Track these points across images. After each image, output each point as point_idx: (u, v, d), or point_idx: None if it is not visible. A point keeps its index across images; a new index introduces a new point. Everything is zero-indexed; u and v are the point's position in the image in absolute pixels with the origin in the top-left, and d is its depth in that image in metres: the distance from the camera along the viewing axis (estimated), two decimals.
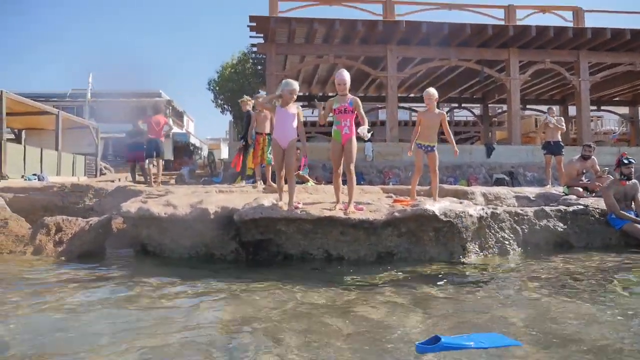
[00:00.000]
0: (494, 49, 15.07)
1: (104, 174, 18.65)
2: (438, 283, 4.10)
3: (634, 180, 6.91)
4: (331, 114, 5.52)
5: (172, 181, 13.90)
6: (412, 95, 22.21)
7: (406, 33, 13.99)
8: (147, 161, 10.72)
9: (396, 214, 5.09)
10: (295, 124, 5.41)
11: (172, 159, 23.24)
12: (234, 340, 2.66)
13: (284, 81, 5.53)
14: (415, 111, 22.91)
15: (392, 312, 3.19)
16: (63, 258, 5.44)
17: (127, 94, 29.57)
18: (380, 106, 23.10)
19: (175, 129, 30.89)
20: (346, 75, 5.35)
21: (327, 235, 5.19)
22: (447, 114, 25.63)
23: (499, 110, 26.09)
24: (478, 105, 24.22)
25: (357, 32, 13.79)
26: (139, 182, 11.37)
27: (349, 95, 5.43)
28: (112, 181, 12.27)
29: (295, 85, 5.43)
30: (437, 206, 5.19)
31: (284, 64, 16.52)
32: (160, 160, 10.54)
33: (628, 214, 6.53)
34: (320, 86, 20.88)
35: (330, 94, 22.61)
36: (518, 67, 15.30)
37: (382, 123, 24.76)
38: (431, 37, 14.17)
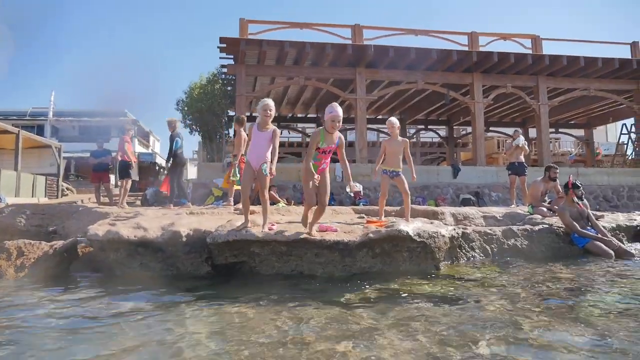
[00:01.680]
0: (458, 73, 15.59)
1: (66, 194, 18.02)
2: (410, 301, 4.12)
3: (585, 201, 7.29)
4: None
5: (138, 202, 13.56)
6: (380, 116, 22.62)
7: (374, 57, 14.31)
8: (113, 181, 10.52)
9: (371, 235, 5.12)
10: (269, 145, 5.36)
11: (138, 179, 22.74)
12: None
13: (260, 101, 5.49)
14: (384, 132, 23.32)
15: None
16: (26, 280, 5.19)
17: (91, 113, 28.92)
18: (349, 127, 23.40)
19: (141, 149, 30.32)
20: (340, 111, 4.98)
21: (302, 257, 5.16)
22: (413, 135, 26.40)
23: (464, 132, 26.86)
24: (444, 127, 24.88)
25: (326, 55, 14.01)
26: (103, 204, 11.05)
27: (337, 133, 5.09)
28: (75, 202, 11.87)
29: (269, 102, 5.38)
30: (411, 227, 5.26)
31: (254, 85, 16.57)
32: (126, 182, 10.34)
33: (588, 232, 6.81)
34: (289, 107, 21.00)
35: (299, 115, 22.76)
36: (481, 90, 15.86)
37: (351, 144, 25.07)
38: (398, 61, 14.55)
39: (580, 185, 7.25)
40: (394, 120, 6.43)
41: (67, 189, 19.52)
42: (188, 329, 3.38)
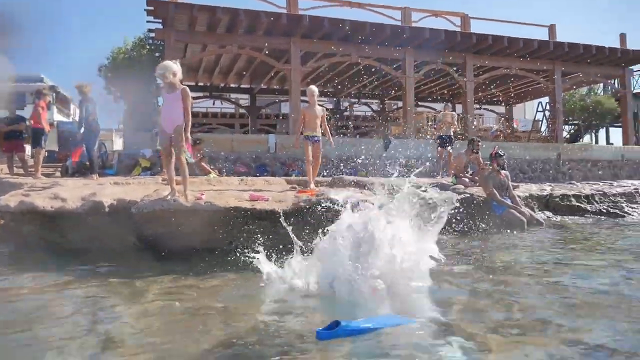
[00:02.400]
0: (391, 48, 15.82)
1: None
2: None
3: (506, 172, 7.81)
4: None
5: (57, 174, 12.71)
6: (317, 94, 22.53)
7: (309, 28, 14.14)
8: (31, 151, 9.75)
9: (302, 203, 5.17)
10: (180, 107, 5.05)
11: (57, 149, 21.26)
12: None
13: (159, 66, 5.13)
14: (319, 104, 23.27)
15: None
16: None
17: (2, 77, 26.39)
18: (283, 99, 23.17)
19: (61, 118, 28.25)
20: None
21: (232, 226, 5.11)
22: (347, 109, 26.66)
23: (395, 106, 27.51)
24: (376, 101, 25.33)
25: (261, 23, 13.65)
26: (17, 175, 10.24)
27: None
28: None
29: (168, 64, 5.06)
30: (340, 196, 5.36)
31: (185, 51, 15.85)
32: (39, 151, 9.57)
33: (505, 201, 7.32)
34: (222, 77, 20.36)
35: (232, 85, 22.16)
36: (413, 66, 16.25)
37: (285, 116, 24.88)
38: (333, 32, 14.49)
39: (503, 155, 7.73)
40: (314, 88, 6.73)
41: None
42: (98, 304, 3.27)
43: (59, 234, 5.20)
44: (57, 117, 27.82)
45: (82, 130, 8.71)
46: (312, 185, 6.55)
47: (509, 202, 7.41)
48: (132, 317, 2.87)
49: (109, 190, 5.64)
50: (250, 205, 5.06)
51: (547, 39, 17.35)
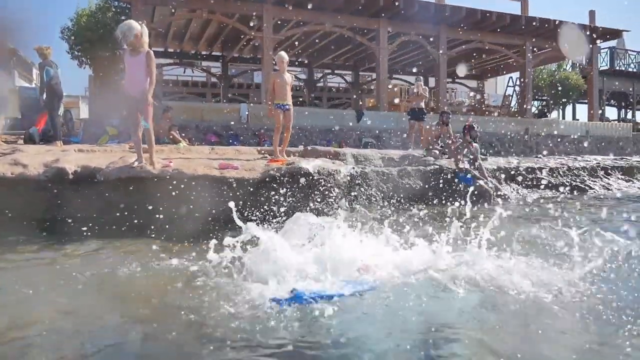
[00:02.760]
0: (365, 18, 15.64)
1: None
2: None
3: (477, 145, 7.96)
4: None
5: (20, 142, 12.24)
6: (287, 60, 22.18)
7: None
8: None
9: (272, 172, 5.14)
10: (145, 70, 4.89)
11: (20, 117, 20.41)
12: None
13: (121, 25, 4.88)
14: (291, 74, 22.98)
15: None
16: None
17: None
18: (255, 68, 22.74)
19: (23, 83, 27.04)
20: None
21: (202, 195, 5.06)
22: (320, 79, 26.38)
23: (369, 79, 27.41)
24: (350, 72, 25.16)
25: None
26: None
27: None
28: None
29: (130, 23, 4.83)
30: (311, 164, 5.36)
31: (152, 15, 15.26)
32: None
33: (474, 172, 7.49)
34: (192, 43, 19.78)
35: (203, 53, 21.58)
36: (387, 37, 16.14)
37: (258, 86, 24.46)
38: (307, 0, 14.20)
39: (475, 127, 7.88)
40: (284, 54, 6.56)
41: None
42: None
43: (20, 201, 5.03)
44: (19, 82, 26.65)
45: (44, 95, 8.34)
46: (283, 155, 6.51)
47: (477, 174, 7.58)
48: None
49: (72, 157, 5.47)
50: (220, 174, 5.00)
51: (520, 13, 17.47)
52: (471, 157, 7.71)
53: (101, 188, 4.91)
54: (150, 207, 4.90)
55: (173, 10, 14.79)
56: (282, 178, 5.20)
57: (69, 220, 4.76)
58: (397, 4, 14.69)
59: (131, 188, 4.89)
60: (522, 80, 18.97)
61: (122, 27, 4.79)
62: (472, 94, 26.22)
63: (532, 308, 2.48)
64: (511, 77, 22.53)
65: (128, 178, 4.81)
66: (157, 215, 4.49)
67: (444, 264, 3.12)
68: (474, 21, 16.40)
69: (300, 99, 23.70)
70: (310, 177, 5.21)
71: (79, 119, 16.47)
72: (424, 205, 6.60)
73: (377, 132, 14.67)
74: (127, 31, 4.74)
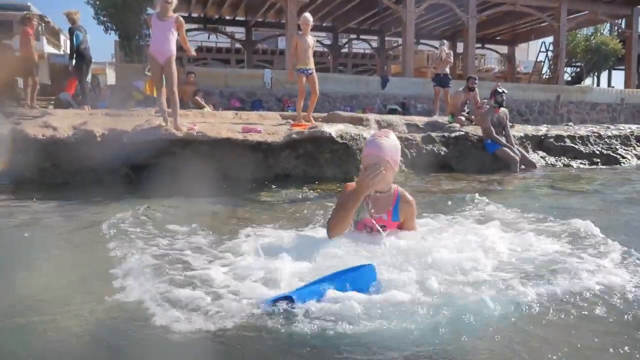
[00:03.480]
0: None
1: None
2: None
3: (505, 110, 7.73)
4: None
5: (51, 107, 12.54)
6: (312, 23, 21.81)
7: None
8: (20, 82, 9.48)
9: (294, 135, 5.16)
10: (174, 36, 4.98)
11: (49, 83, 20.82)
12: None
13: None
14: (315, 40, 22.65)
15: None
16: None
17: None
18: (279, 33, 22.45)
19: (52, 50, 27.44)
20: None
21: (225, 158, 5.13)
22: (345, 45, 25.91)
23: (395, 44, 26.77)
24: (375, 37, 24.60)
25: None
26: (9, 105, 10.08)
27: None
28: None
29: None
30: (333, 129, 5.34)
31: None
32: (31, 79, 9.27)
33: (500, 139, 7.33)
34: (215, 8, 19.59)
35: (227, 17, 21.38)
36: (414, 0, 15.66)
37: (282, 52, 24.21)
38: None
39: (502, 92, 7.63)
40: (308, 16, 6.40)
41: None
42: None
43: (52, 164, 5.20)
44: (48, 48, 27.07)
45: (74, 60, 8.44)
46: (310, 120, 6.44)
47: (503, 140, 7.41)
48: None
49: (100, 120, 5.59)
50: (243, 137, 5.04)
51: None
52: (499, 123, 7.51)
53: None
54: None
55: None
56: (304, 141, 5.21)
57: None
58: None
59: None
60: (555, 45, 18.22)
61: None
62: (502, 60, 25.41)
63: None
64: (544, 42, 21.64)
65: (153, 140, 4.89)
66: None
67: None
68: None
69: (324, 65, 23.39)
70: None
71: (105, 85, 16.72)
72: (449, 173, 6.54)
73: (403, 98, 14.43)
74: None
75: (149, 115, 6.58)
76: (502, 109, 7.59)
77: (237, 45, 24.61)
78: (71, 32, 8.24)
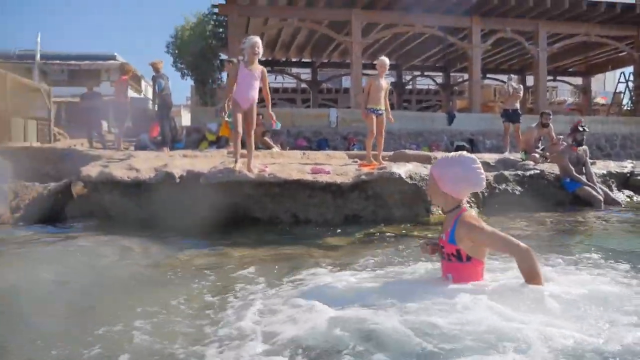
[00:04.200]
0: (457, 16, 15.14)
1: (58, 139, 17.82)
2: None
3: (584, 147, 7.32)
4: None
5: (132, 147, 13.48)
6: (375, 62, 22.14)
7: None
8: (105, 126, 10.33)
9: (363, 177, 5.17)
10: (257, 85, 5.28)
11: (131, 125, 22.46)
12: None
13: (247, 39, 5.39)
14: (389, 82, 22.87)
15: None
16: (21, 223, 5.25)
17: (79, 56, 28.11)
18: (344, 73, 22.96)
19: (134, 94, 29.73)
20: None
21: (295, 199, 5.22)
22: (409, 82, 25.98)
23: (460, 79, 26.46)
24: (440, 73, 24.47)
25: None
26: (96, 148, 10.96)
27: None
28: (69, 147, 11.77)
29: (256, 39, 5.30)
30: (403, 169, 5.30)
31: (247, 26, 16.05)
32: (123, 125, 10.09)
33: (580, 177, 6.91)
34: (283, 51, 20.48)
35: (293, 59, 22.24)
36: (480, 35, 15.48)
37: (346, 90, 24.66)
38: (396, 2, 14.06)
39: (583, 130, 7.26)
40: (385, 59, 6.59)
41: (59, 133, 19.27)
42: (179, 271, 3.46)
43: (135, 204, 5.54)
44: (130, 93, 29.29)
45: (156, 105, 9.09)
46: (379, 160, 6.47)
47: (584, 179, 6.98)
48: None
49: (178, 162, 5.92)
50: (313, 178, 5.12)
51: (633, 0, 15.84)
52: (577, 161, 7.10)
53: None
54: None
55: (266, 20, 15.43)
56: (373, 182, 5.20)
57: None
58: (491, 0, 14.07)
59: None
60: (636, 75, 17.19)
61: (249, 41, 5.22)
62: (576, 91, 24.28)
63: None
64: (623, 73, 20.49)
65: (228, 182, 5.09)
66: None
67: None
68: (578, 13, 15.17)
69: (389, 102, 23.50)
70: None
71: (181, 126, 17.80)
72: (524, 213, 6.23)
73: (470, 134, 14.12)
74: (251, 46, 5.17)
75: (222, 157, 6.89)
76: (581, 147, 7.19)
77: (303, 85, 25.42)
78: (154, 80, 8.92)
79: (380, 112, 6.40)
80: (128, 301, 2.60)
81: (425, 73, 24.59)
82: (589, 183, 6.95)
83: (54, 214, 5.68)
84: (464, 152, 2.36)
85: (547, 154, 8.50)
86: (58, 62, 28.08)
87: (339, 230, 4.80)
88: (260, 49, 5.27)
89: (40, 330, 2.24)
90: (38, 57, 28.10)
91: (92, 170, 5.60)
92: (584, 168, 7.15)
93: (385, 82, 6.51)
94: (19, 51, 29.47)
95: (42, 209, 5.61)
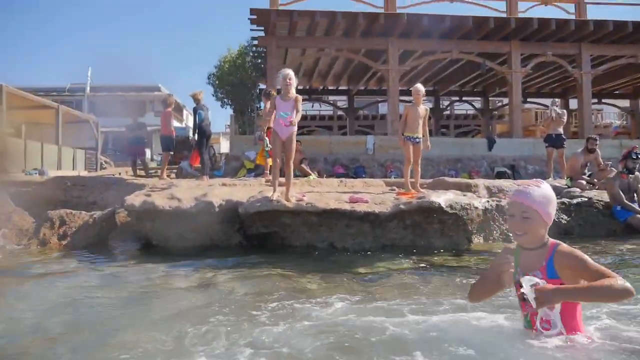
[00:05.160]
0: (495, 42, 14.99)
1: (105, 168, 18.59)
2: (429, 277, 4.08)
3: (636, 174, 6.96)
4: None
5: (173, 175, 13.87)
6: (411, 89, 22.11)
7: (407, 26, 13.89)
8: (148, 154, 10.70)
9: (402, 206, 5.08)
10: (294, 114, 5.36)
11: (172, 153, 23.16)
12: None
13: (280, 72, 5.55)
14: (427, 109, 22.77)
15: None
16: (69, 251, 5.43)
17: (125, 87, 29.50)
18: (380, 99, 23.03)
19: (175, 123, 30.79)
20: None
21: (333, 228, 5.19)
22: (447, 107, 25.75)
23: (500, 104, 26.02)
24: (479, 98, 24.15)
25: (358, 25, 13.70)
26: (140, 176, 11.34)
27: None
28: (113, 175, 12.24)
29: (288, 71, 5.47)
30: (442, 198, 5.19)
31: (285, 57, 16.44)
32: (167, 155, 10.37)
33: (633, 205, 6.57)
34: (320, 80, 20.79)
35: (330, 87, 22.52)
36: (520, 59, 15.22)
37: (383, 117, 24.68)
38: (432, 30, 14.08)
39: (637, 157, 6.93)
40: (421, 87, 6.55)
41: (106, 162, 20.13)
42: (221, 296, 3.46)
43: (176, 232, 5.64)
44: (173, 123, 30.35)
45: (196, 135, 9.35)
46: (417, 187, 6.39)
47: (636, 206, 6.63)
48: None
49: (217, 191, 6.01)
50: (350, 207, 5.08)
51: None
52: (629, 189, 6.76)
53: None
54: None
55: (303, 51, 15.76)
56: (411, 212, 5.11)
57: None
58: (531, 25, 13.87)
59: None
60: None
61: (282, 73, 5.43)
62: (623, 114, 23.38)
63: None
64: None
65: (266, 211, 5.12)
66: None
67: None
68: (623, 34, 14.72)
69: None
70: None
71: (220, 154, 18.24)
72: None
73: (512, 160, 13.76)
74: (283, 78, 5.38)
75: (260, 185, 6.96)
76: (632, 175, 6.85)
77: (339, 112, 25.65)
78: (195, 110, 9.20)
79: (417, 140, 6.35)
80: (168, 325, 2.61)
81: (463, 98, 24.34)
82: None
83: (98, 242, 5.86)
84: (540, 180, 2.24)
85: (595, 180, 8.16)
86: (106, 93, 29.57)
87: (377, 259, 4.71)
88: (293, 80, 5.40)
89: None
90: (88, 89, 29.73)
91: (135, 199, 5.77)
92: (635, 195, 6.80)
93: (423, 109, 6.47)
94: (71, 85, 31.29)
95: (88, 236, 5.80)
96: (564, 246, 2.10)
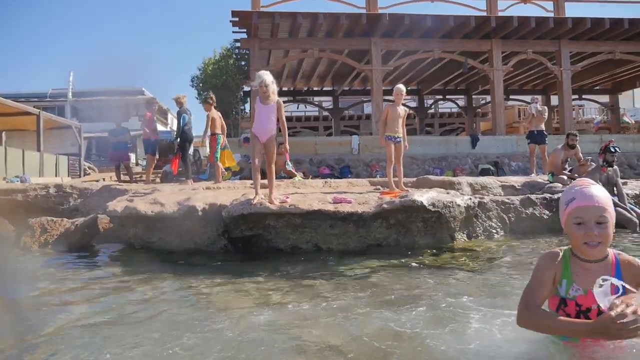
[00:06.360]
0: (477, 41, 15.15)
1: (88, 174, 18.36)
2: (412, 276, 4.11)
3: (614, 167, 7.10)
4: None
5: (157, 179, 13.75)
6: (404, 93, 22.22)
7: (389, 26, 13.96)
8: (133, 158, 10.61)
9: (385, 205, 5.10)
10: (274, 117, 5.36)
11: (157, 157, 22.96)
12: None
13: (257, 75, 5.44)
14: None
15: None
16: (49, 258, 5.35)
17: (108, 92, 29.18)
18: (365, 99, 23.11)
19: (160, 127, 30.53)
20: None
21: (317, 229, 5.19)
22: (431, 106, 25.93)
23: (483, 102, 26.28)
24: (462, 96, 24.37)
25: (340, 26, 13.73)
26: (124, 182, 11.23)
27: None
28: (97, 181, 12.10)
29: (265, 76, 5.29)
30: (425, 196, 5.22)
31: (268, 59, 16.41)
32: (151, 159, 10.30)
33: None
34: (305, 81, 20.80)
35: (314, 88, 22.55)
36: (501, 57, 15.39)
37: (368, 117, 24.76)
38: (414, 29, 14.18)
39: (615, 150, 7.08)
40: (402, 87, 6.63)
41: (89, 168, 19.88)
42: (207, 302, 3.44)
43: (159, 237, 5.60)
44: (157, 126, 30.10)
45: (179, 139, 9.29)
46: (401, 187, 6.46)
47: (616, 200, 6.74)
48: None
49: (201, 195, 5.98)
50: (334, 208, 5.09)
51: None
52: (608, 182, 6.88)
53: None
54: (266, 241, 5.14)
55: (287, 52, 15.74)
56: (395, 211, 5.13)
57: None
58: (511, 23, 14.04)
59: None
60: None
61: (258, 79, 5.29)
62: (603, 109, 23.77)
63: None
64: None
65: (250, 214, 5.10)
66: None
67: None
68: (601, 31, 14.98)
69: (411, 126, 23.50)
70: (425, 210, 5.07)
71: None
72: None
73: (495, 157, 13.91)
74: (258, 85, 5.28)
75: (245, 188, 6.94)
76: (611, 168, 6.98)
77: (325, 113, 25.69)
78: (179, 114, 9.15)
79: (398, 139, 6.45)
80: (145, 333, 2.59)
81: (447, 96, 24.55)
82: (621, 204, 6.71)
83: (80, 248, 5.78)
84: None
85: (576, 175, 8.28)
86: (88, 98, 29.21)
87: (359, 259, 4.72)
88: (270, 87, 5.24)
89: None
90: (70, 95, 29.34)
91: (118, 205, 5.71)
92: (614, 189, 6.93)
93: (402, 109, 6.56)
94: (52, 90, 30.85)
95: (70, 243, 5.73)
96: (625, 255, 1.85)
